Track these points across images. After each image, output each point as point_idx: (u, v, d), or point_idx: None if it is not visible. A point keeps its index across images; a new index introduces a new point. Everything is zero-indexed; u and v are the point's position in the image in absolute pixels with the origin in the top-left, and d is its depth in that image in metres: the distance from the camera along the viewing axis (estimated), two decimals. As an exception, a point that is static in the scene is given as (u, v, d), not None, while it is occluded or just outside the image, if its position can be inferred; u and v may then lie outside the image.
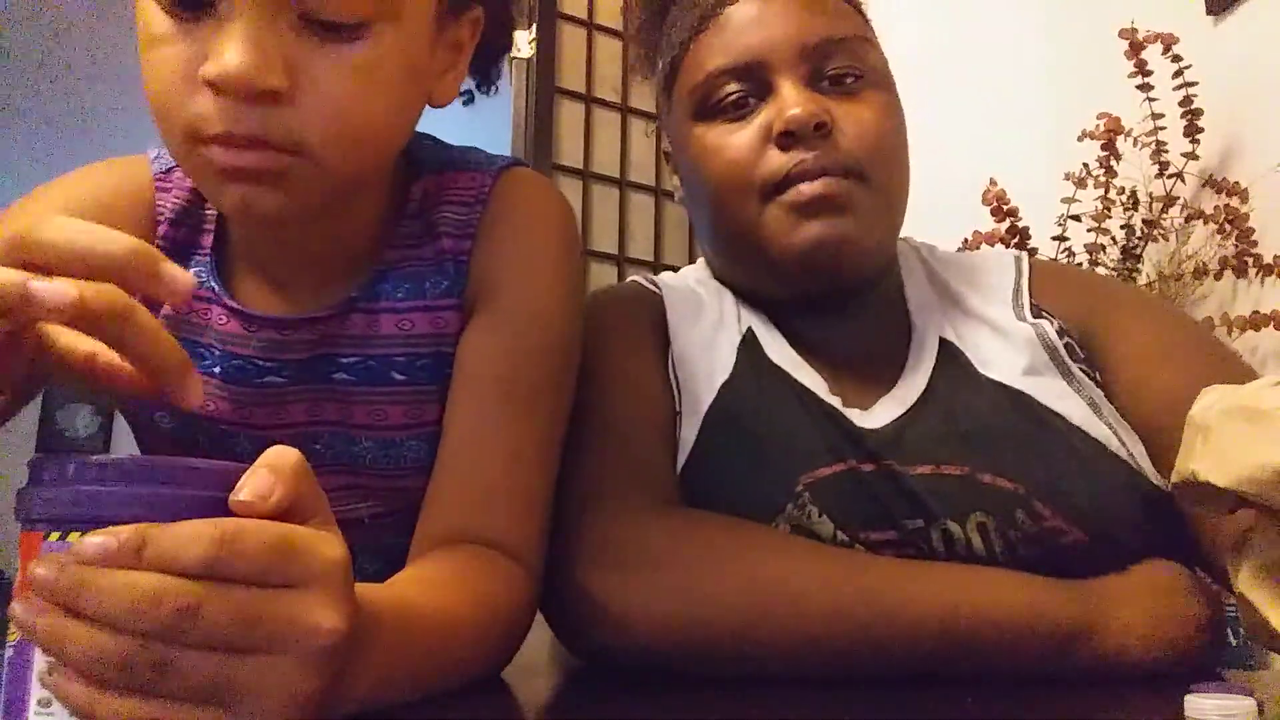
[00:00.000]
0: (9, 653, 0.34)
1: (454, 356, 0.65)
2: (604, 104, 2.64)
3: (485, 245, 0.66)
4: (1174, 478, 0.50)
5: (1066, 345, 0.72)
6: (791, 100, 0.68)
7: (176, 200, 0.68)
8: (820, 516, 0.63)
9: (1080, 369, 0.71)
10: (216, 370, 0.65)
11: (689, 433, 0.70)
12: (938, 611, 0.57)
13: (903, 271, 0.79)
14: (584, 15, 2.64)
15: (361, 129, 0.55)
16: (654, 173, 2.70)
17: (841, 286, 0.73)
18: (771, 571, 0.58)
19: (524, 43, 2.51)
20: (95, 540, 0.32)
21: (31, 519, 0.35)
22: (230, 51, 0.49)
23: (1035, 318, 0.74)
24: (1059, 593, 0.59)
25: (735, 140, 0.71)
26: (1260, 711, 0.38)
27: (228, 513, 0.35)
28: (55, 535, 0.34)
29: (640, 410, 0.70)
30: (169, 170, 0.69)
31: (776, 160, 0.69)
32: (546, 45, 2.53)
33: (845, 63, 0.71)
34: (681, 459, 0.69)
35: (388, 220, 0.67)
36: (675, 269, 0.85)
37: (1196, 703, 0.38)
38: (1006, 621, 0.57)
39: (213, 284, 0.66)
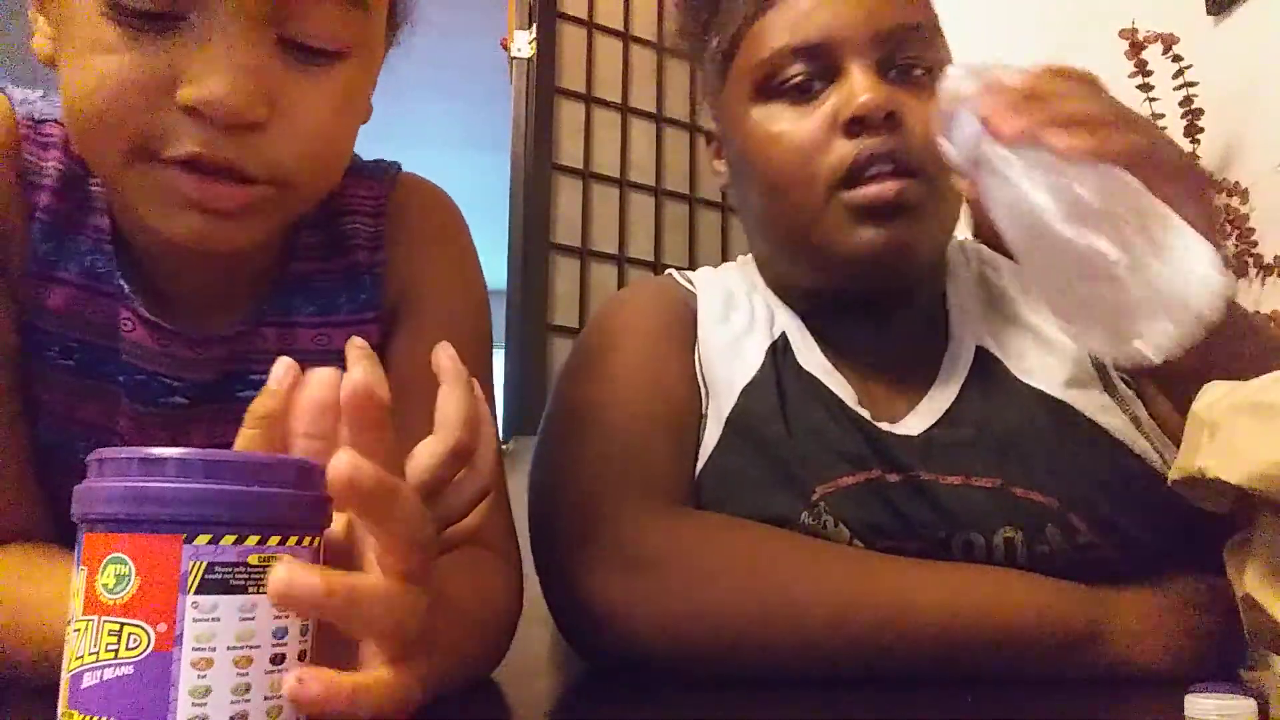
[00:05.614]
0: (127, 669, 0.30)
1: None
2: (604, 104, 2.63)
3: (402, 256, 0.66)
4: (1175, 474, 0.49)
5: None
6: (862, 86, 0.65)
7: (58, 164, 0.58)
8: (837, 526, 0.62)
9: (1122, 379, 0.70)
10: (121, 380, 0.59)
11: (711, 436, 0.69)
12: (942, 614, 0.57)
13: (948, 276, 0.77)
14: (584, 15, 2.63)
15: (335, 156, 0.55)
16: (654, 173, 2.70)
17: (892, 288, 0.71)
18: (775, 573, 0.58)
19: (524, 43, 2.51)
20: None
21: (145, 519, 0.30)
22: (216, 77, 0.46)
23: None
24: (1066, 596, 0.58)
25: (799, 127, 0.67)
26: (1260, 711, 0.38)
27: (326, 513, 0.35)
28: (205, 539, 0.30)
29: (655, 411, 0.69)
30: (41, 121, 0.59)
31: (843, 149, 0.65)
32: (546, 45, 2.52)
33: (916, 53, 0.67)
34: (701, 462, 0.68)
35: (288, 230, 0.64)
36: (675, 269, 0.84)
37: (1197, 703, 0.38)
38: (1011, 624, 0.57)
39: (121, 282, 0.58)
